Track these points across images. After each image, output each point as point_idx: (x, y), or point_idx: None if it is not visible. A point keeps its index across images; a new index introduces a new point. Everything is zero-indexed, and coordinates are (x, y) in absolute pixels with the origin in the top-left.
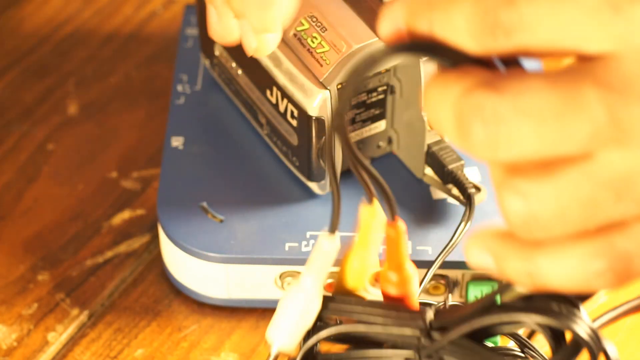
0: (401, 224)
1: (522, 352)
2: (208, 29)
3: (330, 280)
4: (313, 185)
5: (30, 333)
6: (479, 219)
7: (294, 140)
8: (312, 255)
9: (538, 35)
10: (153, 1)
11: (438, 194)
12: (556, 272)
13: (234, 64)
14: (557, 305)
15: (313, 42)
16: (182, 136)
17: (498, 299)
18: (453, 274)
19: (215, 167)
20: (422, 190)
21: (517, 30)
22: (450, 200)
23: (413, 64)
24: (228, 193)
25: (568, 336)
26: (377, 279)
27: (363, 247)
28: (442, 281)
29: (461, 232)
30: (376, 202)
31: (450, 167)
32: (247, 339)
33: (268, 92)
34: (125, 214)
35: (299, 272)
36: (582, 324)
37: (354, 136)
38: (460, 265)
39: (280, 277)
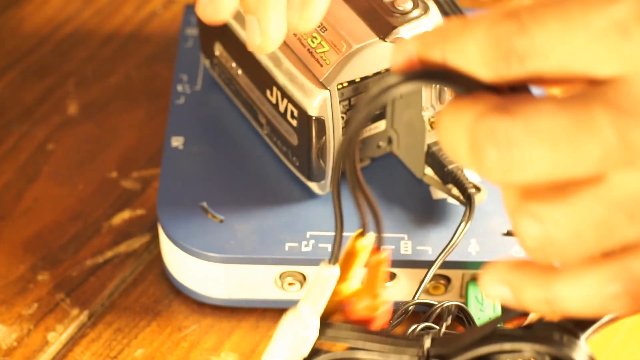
0: (385, 255)
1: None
2: (196, 5)
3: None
4: (313, 185)
5: (30, 333)
6: (479, 219)
7: (294, 140)
8: (311, 283)
9: (550, 60)
10: (153, 1)
11: (438, 194)
12: (573, 297)
13: (234, 64)
14: (558, 334)
15: (313, 42)
16: (182, 136)
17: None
18: (453, 274)
19: (215, 167)
20: (422, 190)
21: (530, 57)
22: (450, 200)
23: None
24: (228, 193)
25: None
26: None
27: (345, 272)
28: (442, 281)
29: (461, 232)
30: (370, 235)
31: (450, 167)
32: (247, 339)
33: (268, 92)
34: (125, 214)
35: (299, 272)
36: (582, 354)
37: None
38: (460, 265)
39: (280, 277)
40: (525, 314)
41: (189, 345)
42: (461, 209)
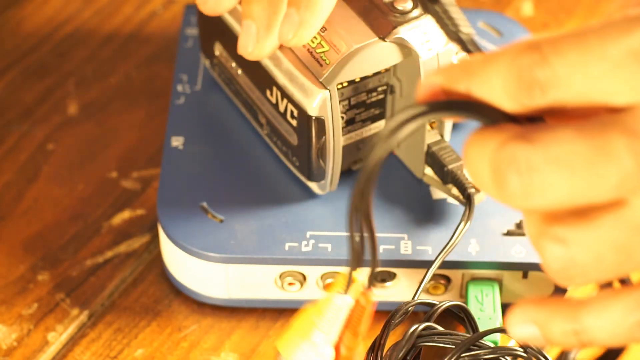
0: (373, 296)
1: (525, 352)
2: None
3: (330, 280)
4: (313, 185)
5: (30, 333)
6: (478, 218)
7: (293, 140)
8: (325, 311)
9: (571, 90)
10: (153, 1)
11: (438, 194)
12: (601, 327)
13: (234, 64)
14: None
15: (313, 42)
16: (182, 136)
17: None
18: (453, 273)
19: (215, 167)
20: (422, 190)
21: (552, 87)
22: (450, 200)
23: (412, 63)
24: (228, 193)
25: None
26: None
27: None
28: (442, 281)
29: (461, 231)
30: (359, 275)
31: (450, 167)
32: (247, 339)
33: (268, 92)
34: (125, 214)
35: (299, 272)
36: None
37: (354, 136)
38: (460, 265)
39: (280, 277)
40: None
41: (189, 345)
42: (461, 208)
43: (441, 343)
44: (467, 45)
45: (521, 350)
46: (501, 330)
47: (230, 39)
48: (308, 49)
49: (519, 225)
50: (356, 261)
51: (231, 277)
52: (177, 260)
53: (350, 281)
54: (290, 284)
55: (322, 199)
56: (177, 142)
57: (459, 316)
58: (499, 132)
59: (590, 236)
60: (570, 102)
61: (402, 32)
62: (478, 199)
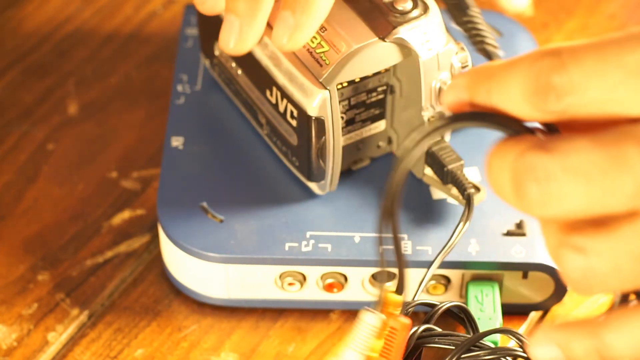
0: (408, 322)
1: (525, 351)
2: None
3: (330, 280)
4: (313, 186)
5: (30, 333)
6: (478, 218)
7: (293, 140)
8: (356, 328)
9: (586, 97)
10: (153, 1)
11: (438, 194)
12: (622, 342)
13: (233, 64)
14: None
15: (313, 42)
16: (182, 136)
17: None
18: (453, 273)
19: (215, 167)
20: (422, 190)
21: (567, 93)
22: (450, 200)
23: (412, 63)
24: (228, 193)
25: None
26: None
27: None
28: (442, 281)
29: (460, 232)
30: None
31: (450, 167)
32: (247, 339)
33: (268, 92)
34: (125, 214)
35: (299, 272)
36: None
37: (354, 136)
38: (460, 265)
39: (280, 277)
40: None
41: (189, 345)
42: (461, 208)
43: (441, 344)
44: (492, 57)
45: (521, 350)
46: (501, 330)
47: None
48: (308, 49)
49: (519, 225)
50: (386, 277)
51: (231, 277)
52: (177, 260)
53: (382, 300)
54: (290, 284)
55: (322, 199)
56: (177, 142)
57: (459, 317)
58: (519, 143)
59: (609, 246)
60: (585, 110)
61: (402, 32)
62: (478, 199)
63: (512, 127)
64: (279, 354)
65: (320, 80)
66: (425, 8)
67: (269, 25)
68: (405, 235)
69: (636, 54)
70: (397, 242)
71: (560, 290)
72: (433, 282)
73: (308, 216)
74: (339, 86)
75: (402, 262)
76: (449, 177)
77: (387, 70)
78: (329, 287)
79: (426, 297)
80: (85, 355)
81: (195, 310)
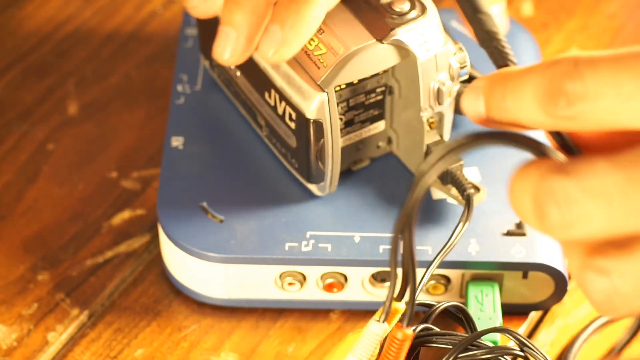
0: (411, 333)
1: (522, 350)
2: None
3: (330, 280)
4: (313, 187)
5: (30, 333)
6: (478, 218)
7: (292, 142)
8: (361, 337)
9: (599, 106)
10: (153, 1)
11: (438, 194)
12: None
13: (232, 66)
14: None
15: (310, 45)
16: (182, 136)
17: None
18: (453, 273)
19: (215, 167)
20: None
21: (579, 99)
22: (450, 200)
23: (411, 64)
24: (228, 193)
25: None
26: None
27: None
28: (442, 281)
29: (459, 232)
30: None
31: (450, 167)
32: (247, 339)
33: (266, 94)
34: (125, 214)
35: (299, 272)
36: None
37: (353, 137)
38: (460, 265)
39: (280, 277)
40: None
41: (189, 345)
42: (461, 209)
43: (439, 344)
44: (504, 58)
45: (519, 349)
46: (498, 329)
47: None
48: (305, 52)
49: (519, 225)
50: (392, 292)
51: (231, 277)
52: (177, 260)
53: (389, 310)
54: (290, 284)
55: (322, 199)
56: (177, 142)
57: (457, 316)
58: (539, 167)
59: (632, 266)
60: (596, 118)
61: (400, 33)
62: (477, 199)
63: (531, 146)
64: (279, 354)
65: (318, 83)
66: (423, 9)
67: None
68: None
69: None
70: (412, 263)
71: (560, 290)
72: (433, 282)
73: (308, 216)
74: (337, 88)
75: (414, 280)
76: (448, 178)
77: (385, 71)
78: (329, 287)
79: (426, 297)
80: (85, 355)
81: (195, 310)
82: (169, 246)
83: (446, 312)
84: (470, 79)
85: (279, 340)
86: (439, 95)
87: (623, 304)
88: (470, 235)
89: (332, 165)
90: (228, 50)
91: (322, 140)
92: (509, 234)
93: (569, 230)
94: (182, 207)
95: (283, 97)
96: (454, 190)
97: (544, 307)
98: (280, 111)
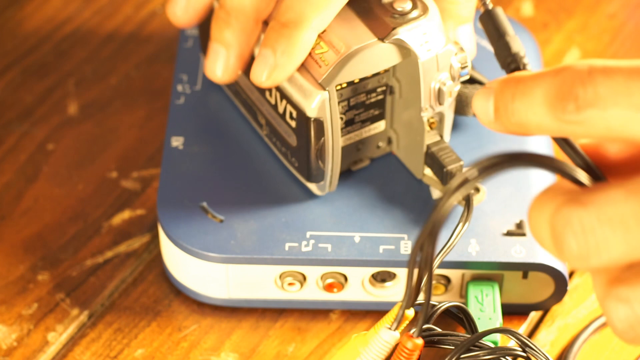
0: (419, 343)
1: (524, 351)
2: (168, 9)
3: (330, 280)
4: (312, 186)
5: (30, 333)
6: (478, 218)
7: (292, 141)
8: (371, 343)
9: (609, 113)
10: (153, 1)
11: (438, 193)
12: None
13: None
14: None
15: None
16: (182, 136)
17: None
18: (453, 274)
19: (215, 167)
20: (422, 190)
21: (589, 105)
22: None
23: (412, 64)
24: (228, 193)
25: None
26: None
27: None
28: (442, 281)
29: (459, 232)
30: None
31: (449, 167)
32: (247, 339)
33: (267, 93)
34: (125, 214)
35: (299, 272)
36: None
37: (354, 137)
38: (460, 265)
39: (280, 277)
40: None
41: (189, 345)
42: (461, 209)
43: (441, 344)
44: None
45: (520, 350)
46: (500, 330)
47: None
48: None
49: (519, 225)
50: (411, 300)
51: (231, 277)
52: (177, 260)
53: (401, 319)
54: (290, 284)
55: (322, 199)
56: (177, 142)
57: (457, 317)
58: (555, 197)
59: None
60: (604, 126)
61: (401, 33)
62: (477, 199)
63: (554, 167)
64: (279, 354)
65: (319, 82)
66: (425, 9)
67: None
68: (405, 235)
69: None
70: (430, 278)
71: (560, 290)
72: (433, 282)
73: (308, 216)
74: (338, 87)
75: (429, 293)
76: (448, 178)
77: (386, 71)
78: (329, 287)
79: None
80: (85, 355)
81: (195, 310)
82: (169, 246)
83: (447, 312)
84: (471, 79)
85: (279, 340)
86: (439, 96)
87: None
88: (470, 235)
89: (332, 164)
90: (219, 68)
91: (323, 139)
92: (509, 234)
93: (589, 259)
94: (182, 207)
95: (284, 95)
96: None
97: (544, 307)
98: (280, 110)
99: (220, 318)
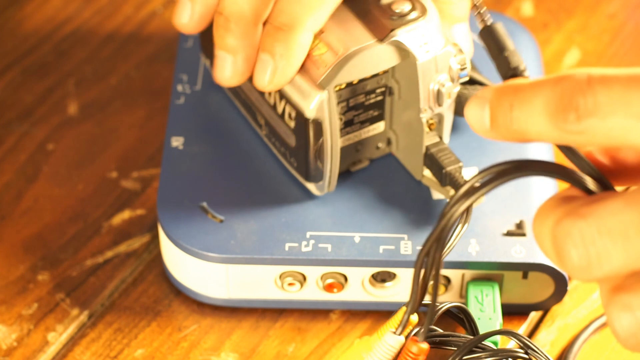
0: (425, 347)
1: (526, 353)
2: (175, 18)
3: (330, 280)
4: (311, 186)
5: (30, 333)
6: (478, 219)
7: (291, 141)
8: (375, 348)
9: (608, 122)
10: (153, 1)
11: (438, 194)
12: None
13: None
14: None
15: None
16: (182, 136)
17: None
18: (453, 274)
19: (215, 167)
20: (421, 191)
21: (589, 115)
22: None
23: (410, 65)
24: (228, 193)
25: None
26: None
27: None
28: (442, 281)
29: (458, 233)
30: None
31: (448, 169)
32: (247, 339)
33: (266, 94)
34: (125, 214)
35: (299, 272)
36: None
37: (353, 137)
38: (460, 265)
39: (280, 277)
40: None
41: (189, 345)
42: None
43: (442, 345)
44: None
45: (522, 351)
46: (503, 332)
47: None
48: None
49: (519, 225)
50: (416, 305)
51: (231, 277)
52: (177, 260)
53: (406, 323)
54: (290, 284)
55: (322, 199)
56: (177, 142)
57: (458, 317)
58: (556, 209)
59: None
60: (604, 134)
61: (400, 34)
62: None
63: (563, 175)
64: (279, 354)
65: (318, 82)
66: (424, 10)
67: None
68: (405, 236)
69: None
70: (436, 283)
71: (560, 291)
72: (433, 282)
73: (308, 216)
74: (337, 88)
75: (435, 298)
76: (447, 179)
77: (385, 72)
78: (329, 287)
79: (427, 298)
80: (85, 355)
81: (195, 310)
82: (169, 246)
83: (447, 312)
84: (471, 80)
85: (279, 340)
86: (438, 97)
87: None
88: (470, 236)
89: (331, 164)
90: (228, 74)
91: (321, 139)
92: (509, 234)
93: (590, 270)
94: (182, 207)
95: (283, 96)
96: (452, 192)
97: (544, 307)
98: (279, 110)
99: (220, 318)
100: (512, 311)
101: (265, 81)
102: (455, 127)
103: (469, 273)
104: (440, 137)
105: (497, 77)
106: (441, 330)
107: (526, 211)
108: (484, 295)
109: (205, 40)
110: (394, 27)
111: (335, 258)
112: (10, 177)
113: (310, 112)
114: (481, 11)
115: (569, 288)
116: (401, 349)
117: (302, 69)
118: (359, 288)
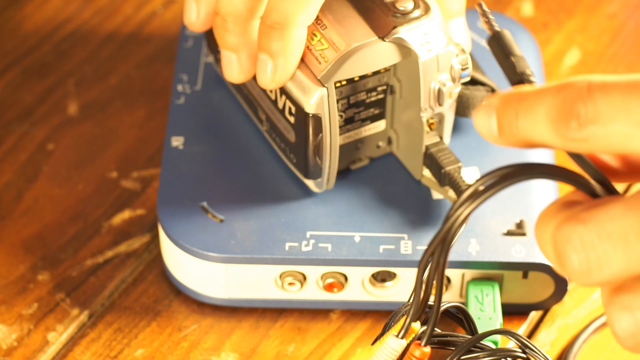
0: (427, 351)
1: (524, 352)
2: (184, 17)
3: (330, 280)
4: (310, 183)
5: (30, 333)
6: (479, 218)
7: (291, 137)
8: (378, 352)
9: (609, 129)
10: (153, 1)
11: (438, 195)
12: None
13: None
14: None
15: (313, 40)
16: (182, 136)
17: None
18: (453, 274)
19: (215, 167)
20: (421, 191)
21: (590, 122)
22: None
23: (412, 63)
24: (228, 193)
25: None
26: None
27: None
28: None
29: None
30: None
31: (447, 169)
32: (247, 338)
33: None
34: (125, 214)
35: (299, 272)
36: None
37: (353, 135)
38: (460, 265)
39: (280, 277)
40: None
41: (189, 345)
42: None
43: (441, 345)
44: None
45: (520, 351)
46: (501, 331)
47: None
48: (307, 46)
49: (519, 225)
50: (419, 312)
51: (231, 277)
52: (177, 260)
53: (408, 327)
54: (290, 284)
55: (322, 199)
56: (177, 142)
57: (457, 317)
58: (557, 214)
59: None
60: (606, 142)
61: (402, 32)
62: None
63: (568, 178)
64: (279, 354)
65: (319, 78)
66: (427, 9)
67: None
68: (405, 235)
69: None
70: (440, 287)
71: (560, 290)
72: (433, 282)
73: (308, 216)
74: (338, 84)
75: (439, 301)
76: (446, 179)
77: (387, 70)
78: (329, 287)
79: None
80: (85, 355)
81: (195, 310)
82: (169, 246)
83: (446, 312)
84: (473, 80)
85: (279, 340)
86: (439, 96)
87: None
88: (470, 235)
89: (330, 161)
90: (235, 70)
91: (321, 135)
92: (509, 234)
93: (590, 275)
94: (182, 207)
95: (283, 91)
96: (451, 192)
97: (544, 307)
98: (280, 105)
99: (220, 318)
100: (512, 311)
101: (268, 80)
102: (456, 128)
103: (469, 273)
104: (441, 137)
105: (498, 74)
106: (439, 330)
107: (526, 211)
108: (484, 295)
109: (211, 36)
110: (396, 25)
111: (336, 258)
112: (10, 177)
113: (310, 107)
114: (489, 18)
115: (569, 288)
116: (403, 353)
117: (303, 64)
118: (359, 288)
